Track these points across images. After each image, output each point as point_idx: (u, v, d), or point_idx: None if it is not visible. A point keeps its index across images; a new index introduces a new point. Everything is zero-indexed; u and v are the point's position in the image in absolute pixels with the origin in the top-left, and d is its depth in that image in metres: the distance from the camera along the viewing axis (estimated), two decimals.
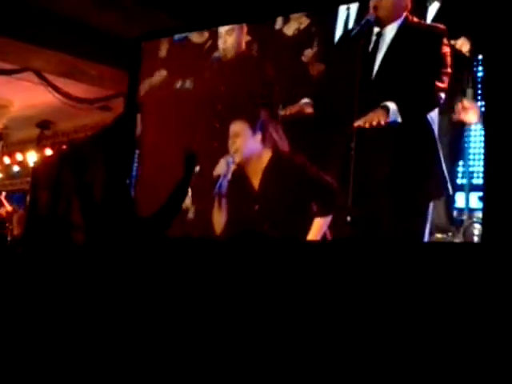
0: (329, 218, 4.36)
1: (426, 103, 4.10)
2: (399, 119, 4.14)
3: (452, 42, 4.02)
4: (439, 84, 4.03)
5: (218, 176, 4.85)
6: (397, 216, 4.10)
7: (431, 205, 4.01)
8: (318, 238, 4.36)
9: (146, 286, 3.45)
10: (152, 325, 3.41)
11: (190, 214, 4.92)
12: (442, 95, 4.04)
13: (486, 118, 3.83)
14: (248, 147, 4.76)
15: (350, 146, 4.25)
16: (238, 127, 4.81)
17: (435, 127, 4.06)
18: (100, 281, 3.39)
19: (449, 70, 4.02)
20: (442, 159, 4.00)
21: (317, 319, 3.96)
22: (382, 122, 4.16)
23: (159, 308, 3.51)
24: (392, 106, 4.15)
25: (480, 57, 3.95)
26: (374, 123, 4.17)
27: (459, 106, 3.98)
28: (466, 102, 3.97)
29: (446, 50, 4.04)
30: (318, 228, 4.38)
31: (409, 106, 4.15)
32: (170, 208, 3.62)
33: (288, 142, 4.62)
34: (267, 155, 4.70)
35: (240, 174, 4.79)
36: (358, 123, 4.22)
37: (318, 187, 4.44)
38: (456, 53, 4.01)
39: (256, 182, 4.73)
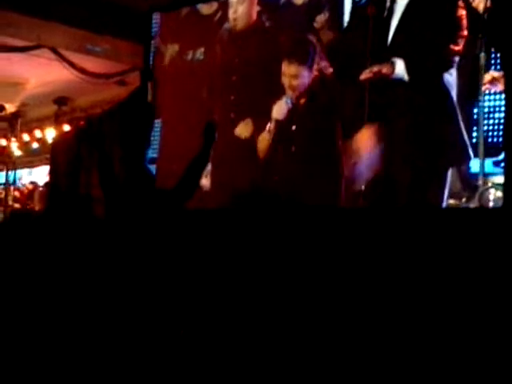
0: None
1: (438, 64, 4.10)
2: (406, 77, 4.13)
3: (463, 11, 4.01)
4: (454, 47, 4.02)
5: (277, 120, 4.79)
6: (414, 183, 4.12)
7: (450, 171, 4.03)
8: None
9: (165, 259, 3.50)
10: (170, 300, 3.47)
11: (207, 185, 4.95)
12: (457, 58, 4.03)
13: (506, 84, 3.81)
14: (305, 83, 4.72)
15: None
16: (293, 70, 4.74)
17: (454, 92, 4.06)
18: (120, 254, 3.46)
19: (464, 32, 4.01)
20: (462, 124, 4.01)
21: (326, 294, 4.00)
22: (387, 72, 4.15)
23: (177, 284, 3.56)
24: (399, 62, 4.14)
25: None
26: (378, 72, 4.15)
27: (489, 77, 3.96)
28: (495, 74, 3.95)
29: (462, 12, 4.02)
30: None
31: (419, 65, 4.14)
32: (189, 179, 3.65)
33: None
34: (314, 76, 4.71)
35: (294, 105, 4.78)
36: (363, 76, 4.22)
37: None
38: (472, 14, 3.98)
39: (300, 103, 4.73)
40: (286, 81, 4.76)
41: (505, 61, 3.79)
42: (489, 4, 3.87)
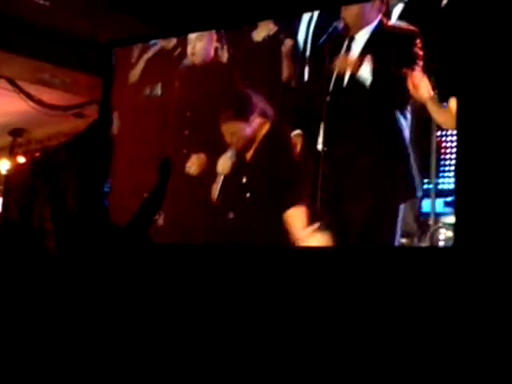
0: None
1: (392, 103, 4.18)
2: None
3: (420, 51, 4.11)
4: (409, 84, 4.11)
5: (221, 174, 4.83)
6: (366, 220, 4.17)
7: (401, 209, 4.09)
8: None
9: (120, 294, 3.46)
10: (124, 332, 3.43)
11: (161, 221, 4.93)
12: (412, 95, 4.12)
13: (458, 123, 3.91)
14: (247, 135, 4.77)
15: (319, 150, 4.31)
16: (232, 127, 4.81)
17: (406, 133, 4.14)
18: (72, 289, 3.41)
19: (420, 71, 4.10)
20: (413, 162, 4.08)
21: (286, 326, 4.01)
22: None
23: (132, 316, 3.53)
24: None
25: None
26: None
27: (409, 82, 4.05)
28: (416, 77, 4.03)
29: (419, 51, 4.12)
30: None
31: (373, 105, 4.23)
32: (143, 217, 3.64)
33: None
34: (265, 128, 4.71)
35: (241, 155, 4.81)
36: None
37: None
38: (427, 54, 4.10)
39: (249, 154, 4.75)
40: (226, 136, 4.82)
41: (457, 105, 3.91)
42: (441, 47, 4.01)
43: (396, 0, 4.30)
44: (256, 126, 4.72)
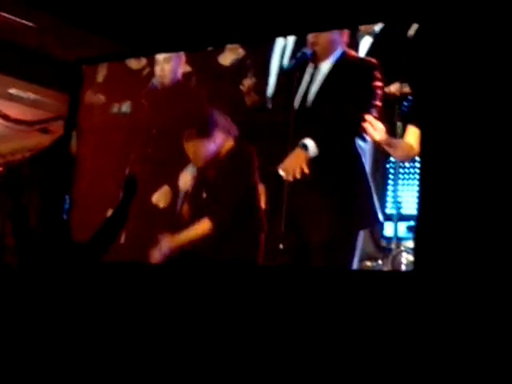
0: None
1: (350, 130, 4.23)
2: (317, 152, 4.26)
3: (379, 82, 4.18)
4: (368, 115, 4.17)
5: (186, 191, 4.82)
6: (326, 245, 4.20)
7: (361, 234, 4.13)
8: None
9: (79, 311, 3.43)
10: (83, 350, 3.40)
11: (122, 239, 4.90)
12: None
13: (421, 151, 3.98)
14: (209, 152, 4.76)
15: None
16: (192, 147, 4.80)
17: (366, 157, 4.20)
18: (31, 305, 3.37)
19: (378, 102, 4.16)
20: (373, 189, 4.13)
21: (241, 345, 4.01)
22: (304, 166, 4.26)
23: (90, 333, 3.50)
24: (310, 143, 4.26)
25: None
26: (297, 173, 4.26)
27: (365, 125, 4.12)
28: (372, 121, 4.11)
29: (378, 83, 4.19)
30: None
31: (330, 136, 4.28)
32: (106, 234, 3.62)
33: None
34: (228, 145, 4.71)
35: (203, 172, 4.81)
36: (281, 173, 4.33)
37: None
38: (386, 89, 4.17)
39: (212, 173, 4.75)
40: (190, 156, 4.82)
41: (420, 134, 3.99)
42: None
43: (365, 32, 4.36)
44: (219, 143, 4.73)
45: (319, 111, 4.35)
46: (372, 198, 4.10)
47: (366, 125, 4.12)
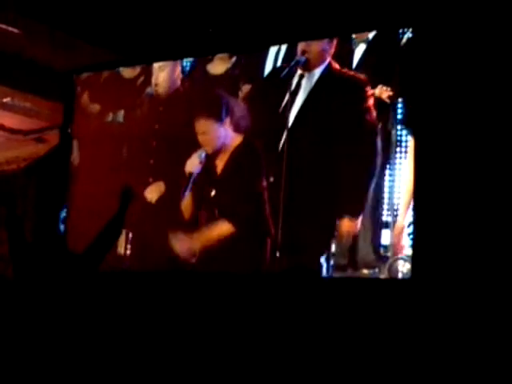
0: None
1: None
2: None
3: (371, 90, 4.19)
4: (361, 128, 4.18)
5: (191, 173, 4.80)
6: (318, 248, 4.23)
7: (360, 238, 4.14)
8: None
9: (75, 321, 3.42)
10: (79, 359, 3.38)
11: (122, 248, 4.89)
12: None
13: (415, 156, 3.98)
14: (218, 138, 4.76)
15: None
16: (203, 125, 4.79)
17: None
18: (27, 315, 3.35)
19: (371, 115, 4.19)
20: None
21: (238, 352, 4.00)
22: None
23: (88, 343, 3.48)
24: None
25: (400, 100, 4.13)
26: None
27: None
28: None
29: (369, 100, 4.20)
30: None
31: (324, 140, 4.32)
32: (101, 243, 3.60)
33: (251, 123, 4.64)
34: (237, 140, 4.70)
35: (209, 161, 4.78)
36: None
37: None
38: (377, 99, 4.18)
39: (220, 167, 4.73)
40: (199, 138, 4.81)
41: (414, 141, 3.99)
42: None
43: (359, 40, 4.37)
44: (230, 133, 4.72)
45: (306, 121, 4.40)
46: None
47: None
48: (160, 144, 5.03)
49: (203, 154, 4.78)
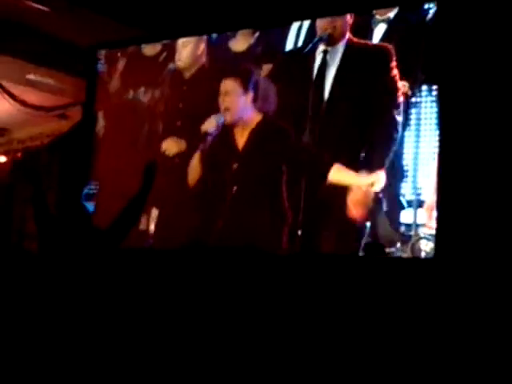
0: None
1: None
2: None
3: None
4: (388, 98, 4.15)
5: (206, 133, 4.80)
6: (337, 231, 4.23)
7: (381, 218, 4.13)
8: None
9: (99, 297, 3.45)
10: (104, 339, 3.42)
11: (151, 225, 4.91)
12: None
13: (440, 134, 3.95)
14: (239, 106, 4.71)
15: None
16: (228, 85, 4.74)
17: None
18: (52, 291, 3.39)
19: (397, 89, 4.15)
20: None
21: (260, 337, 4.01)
22: None
23: (111, 321, 3.52)
24: None
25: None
26: None
27: None
28: None
29: (394, 70, 4.17)
30: None
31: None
32: (125, 219, 3.63)
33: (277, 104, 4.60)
34: (257, 118, 4.66)
35: (227, 133, 4.75)
36: None
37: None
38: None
39: (241, 142, 4.70)
40: (221, 100, 4.76)
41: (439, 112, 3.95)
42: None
43: (379, 19, 4.33)
44: (251, 108, 4.68)
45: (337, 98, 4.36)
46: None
47: None
48: (184, 124, 5.02)
49: (222, 119, 4.74)
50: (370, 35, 4.36)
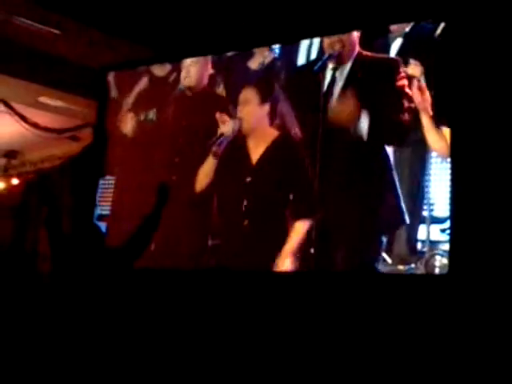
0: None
1: (388, 135, 4.22)
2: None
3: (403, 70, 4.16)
4: (399, 116, 4.14)
5: (222, 134, 4.77)
6: (350, 247, 4.18)
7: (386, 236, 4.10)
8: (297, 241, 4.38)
9: (112, 317, 3.45)
10: (117, 356, 3.41)
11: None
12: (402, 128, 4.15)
13: (452, 150, 3.93)
14: (255, 116, 4.70)
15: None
16: (248, 93, 4.74)
17: (391, 157, 4.17)
18: (65, 311, 3.39)
19: (407, 103, 4.13)
20: (399, 190, 4.09)
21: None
22: None
23: (124, 339, 3.52)
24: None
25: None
26: None
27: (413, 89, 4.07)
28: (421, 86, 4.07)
29: (404, 81, 4.16)
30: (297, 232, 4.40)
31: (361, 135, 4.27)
32: (138, 239, 3.65)
33: (299, 126, 4.55)
34: (273, 134, 4.64)
35: (241, 141, 4.73)
36: None
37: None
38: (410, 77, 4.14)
39: (255, 156, 4.66)
40: (239, 109, 4.74)
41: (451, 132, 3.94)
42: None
43: (396, 34, 4.34)
44: (264, 123, 4.67)
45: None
46: (399, 199, 4.07)
47: (416, 87, 4.07)
48: (186, 142, 5.01)
49: (238, 123, 4.72)
50: (378, 41, 4.38)
